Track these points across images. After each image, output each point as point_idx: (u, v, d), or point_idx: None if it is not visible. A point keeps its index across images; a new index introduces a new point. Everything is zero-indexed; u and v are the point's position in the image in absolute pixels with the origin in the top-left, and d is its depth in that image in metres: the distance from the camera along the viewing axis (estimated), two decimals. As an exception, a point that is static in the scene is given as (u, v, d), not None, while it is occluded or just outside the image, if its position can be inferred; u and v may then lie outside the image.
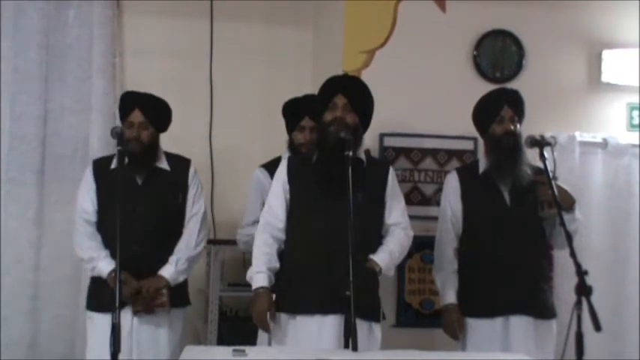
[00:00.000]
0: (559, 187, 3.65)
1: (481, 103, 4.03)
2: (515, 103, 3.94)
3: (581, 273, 2.87)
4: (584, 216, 4.05)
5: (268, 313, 3.41)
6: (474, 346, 3.83)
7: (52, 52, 4.82)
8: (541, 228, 3.92)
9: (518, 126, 3.92)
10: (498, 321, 3.82)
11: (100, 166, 3.84)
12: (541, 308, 3.85)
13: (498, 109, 3.91)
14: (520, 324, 3.80)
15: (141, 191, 3.83)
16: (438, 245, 4.03)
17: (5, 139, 4.73)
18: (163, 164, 3.91)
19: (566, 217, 3.56)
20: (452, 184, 4.02)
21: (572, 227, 3.68)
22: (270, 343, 3.74)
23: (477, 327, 3.86)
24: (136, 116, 3.83)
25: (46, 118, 4.79)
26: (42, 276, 4.72)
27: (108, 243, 3.73)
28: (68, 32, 4.85)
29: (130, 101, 3.89)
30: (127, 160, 3.78)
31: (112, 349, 2.80)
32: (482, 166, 4.00)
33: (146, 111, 3.84)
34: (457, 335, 3.90)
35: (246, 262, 4.79)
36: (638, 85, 4.85)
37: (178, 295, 3.84)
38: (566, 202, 3.75)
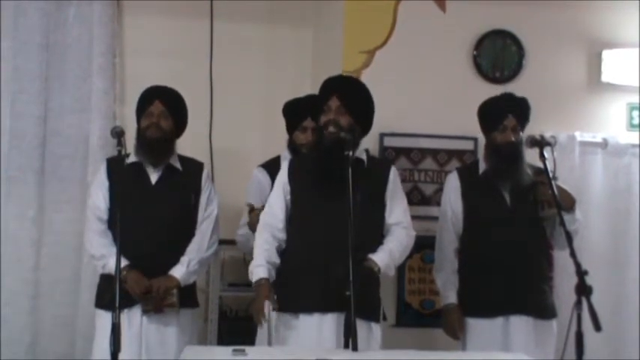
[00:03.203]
0: (559, 188, 3.66)
1: (486, 107, 4.01)
2: (520, 112, 3.93)
3: (581, 273, 2.87)
4: (583, 216, 4.06)
5: (266, 302, 3.40)
6: (474, 346, 3.83)
7: (52, 51, 4.82)
8: (541, 228, 3.92)
9: (520, 134, 3.91)
10: (498, 321, 3.82)
11: (114, 165, 3.81)
12: (541, 308, 3.86)
13: (502, 118, 3.89)
14: (520, 324, 3.81)
15: (154, 190, 3.84)
16: (438, 245, 4.04)
17: (5, 139, 4.72)
18: (177, 164, 3.92)
19: (567, 217, 3.57)
20: (452, 184, 4.03)
21: (573, 227, 3.70)
22: (269, 343, 3.75)
23: (477, 327, 3.86)
24: (157, 106, 3.86)
25: (46, 117, 4.79)
26: (42, 276, 4.71)
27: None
28: (68, 32, 4.85)
29: (151, 93, 3.92)
30: (142, 150, 3.80)
31: (112, 348, 2.80)
32: (483, 166, 4.01)
33: (167, 102, 3.88)
34: (457, 335, 3.91)
35: (246, 262, 4.79)
36: (638, 85, 4.84)
37: (187, 296, 3.84)
38: (566, 203, 3.76)
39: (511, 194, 3.91)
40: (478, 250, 3.91)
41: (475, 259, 3.91)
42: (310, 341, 3.37)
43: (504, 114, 3.90)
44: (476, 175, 4.00)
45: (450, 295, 3.93)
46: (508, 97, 4.02)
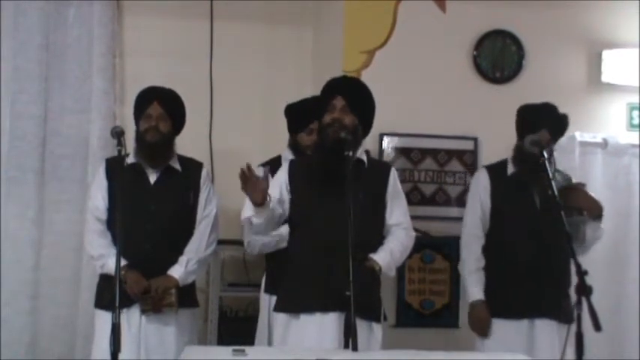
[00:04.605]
0: (588, 195, 3.72)
1: (525, 113, 3.95)
2: (557, 127, 3.91)
3: (581, 273, 2.87)
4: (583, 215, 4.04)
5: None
6: (496, 347, 3.78)
7: (52, 51, 4.82)
8: (567, 233, 3.90)
9: (552, 145, 3.89)
10: (524, 323, 3.81)
11: (113, 165, 3.79)
12: (565, 313, 3.83)
13: (535, 130, 3.80)
14: (545, 328, 3.80)
15: (153, 190, 3.83)
16: (464, 241, 3.99)
17: (5, 139, 4.72)
18: (176, 165, 3.91)
19: (592, 225, 3.71)
20: (482, 182, 3.99)
21: (596, 235, 3.82)
22: (269, 343, 3.75)
23: (501, 328, 3.84)
24: (155, 109, 3.83)
25: (46, 117, 4.79)
26: (42, 276, 4.72)
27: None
28: (68, 32, 4.85)
29: (149, 95, 3.89)
30: (142, 153, 3.80)
31: (112, 348, 2.80)
32: (512, 167, 3.98)
33: (165, 104, 3.85)
34: (485, 332, 3.86)
35: (246, 262, 4.80)
36: (638, 85, 4.85)
37: (187, 296, 3.83)
38: (593, 211, 3.79)
39: (541, 197, 3.88)
40: (505, 250, 3.88)
41: (502, 259, 3.88)
42: (312, 341, 3.37)
43: (539, 127, 3.84)
44: (505, 176, 3.97)
45: (476, 292, 3.88)
46: (547, 111, 3.95)
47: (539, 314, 3.81)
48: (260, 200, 3.34)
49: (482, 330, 3.88)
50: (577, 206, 3.78)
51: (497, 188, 3.96)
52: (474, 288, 3.90)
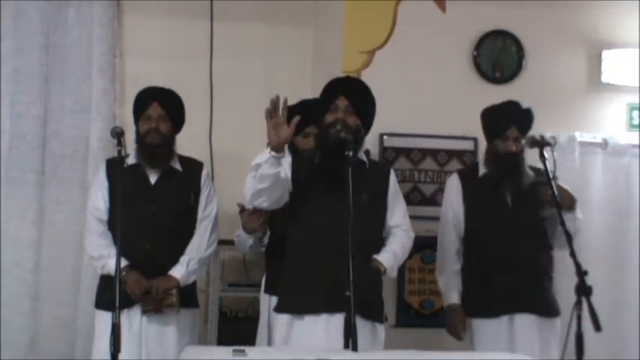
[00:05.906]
0: (560, 187, 3.67)
1: (490, 114, 3.99)
2: (523, 123, 3.92)
3: (581, 273, 2.88)
4: (584, 216, 4.05)
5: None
6: (482, 347, 3.82)
7: (52, 52, 4.82)
8: (543, 228, 3.93)
9: (522, 142, 3.89)
10: (503, 320, 3.82)
11: (114, 165, 3.77)
12: (545, 306, 3.86)
13: (505, 129, 3.88)
14: (524, 322, 3.82)
15: (153, 191, 3.83)
16: (440, 246, 4.04)
17: (5, 139, 4.72)
18: (176, 165, 3.91)
19: (568, 216, 3.62)
20: (453, 186, 4.03)
21: (574, 226, 3.73)
22: (270, 344, 3.74)
23: (483, 327, 3.86)
24: (155, 109, 3.82)
25: (46, 118, 4.78)
26: (42, 276, 4.71)
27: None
28: (68, 32, 4.85)
29: (148, 95, 3.88)
30: (143, 155, 3.79)
31: (112, 349, 2.80)
32: (483, 168, 4.01)
33: (165, 104, 3.84)
34: (460, 335, 3.91)
35: (246, 262, 4.80)
36: (638, 85, 4.85)
37: (188, 296, 3.83)
38: (567, 202, 3.78)
39: (512, 196, 3.91)
40: (481, 251, 3.91)
41: (478, 260, 3.91)
42: (319, 342, 3.35)
43: (508, 124, 3.88)
44: (476, 177, 4.01)
45: (452, 296, 3.94)
46: (513, 108, 3.97)
47: (518, 309, 3.83)
48: (278, 143, 3.27)
49: (457, 333, 3.94)
50: (549, 199, 3.78)
51: (468, 191, 3.99)
52: (448, 292, 3.96)
